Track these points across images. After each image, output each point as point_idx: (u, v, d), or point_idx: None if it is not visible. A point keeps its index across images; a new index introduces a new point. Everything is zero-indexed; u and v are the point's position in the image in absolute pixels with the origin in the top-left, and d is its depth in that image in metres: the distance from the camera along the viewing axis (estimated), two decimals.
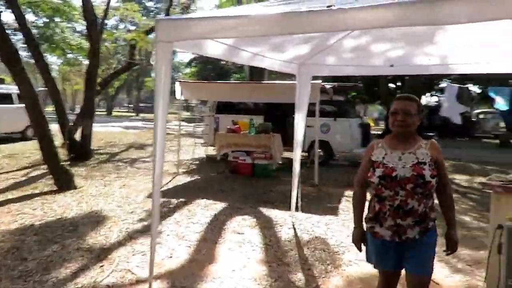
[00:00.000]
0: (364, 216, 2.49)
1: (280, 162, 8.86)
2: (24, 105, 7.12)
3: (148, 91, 64.01)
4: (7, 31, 7.10)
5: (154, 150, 2.84)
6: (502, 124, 25.91)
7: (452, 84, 9.27)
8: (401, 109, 2.24)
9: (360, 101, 28.50)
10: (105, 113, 43.95)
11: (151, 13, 42.16)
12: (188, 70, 46.58)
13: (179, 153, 9.44)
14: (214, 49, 3.37)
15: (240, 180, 8.30)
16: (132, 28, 36.01)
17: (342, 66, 5.27)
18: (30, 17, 20.70)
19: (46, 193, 6.75)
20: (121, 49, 39.08)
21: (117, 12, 20.47)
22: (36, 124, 7.15)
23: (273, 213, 5.89)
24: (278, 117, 11.14)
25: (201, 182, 8.08)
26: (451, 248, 2.38)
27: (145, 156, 12.05)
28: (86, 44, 18.74)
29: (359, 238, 2.50)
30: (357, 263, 4.17)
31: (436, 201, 2.38)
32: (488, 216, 5.75)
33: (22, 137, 14.59)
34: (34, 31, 16.97)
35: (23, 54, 19.30)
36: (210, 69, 40.81)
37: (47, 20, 21.88)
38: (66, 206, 6.04)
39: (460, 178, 9.49)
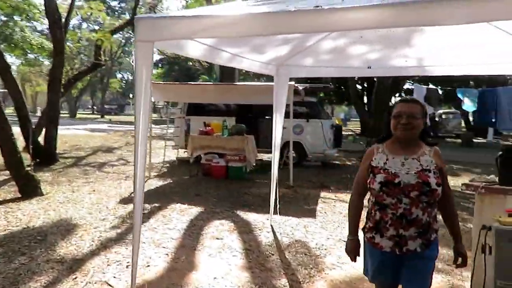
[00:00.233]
0: (360, 225, 2.37)
1: (254, 164, 8.77)
2: None
3: (113, 92, 62.62)
4: None
5: (135, 155, 2.68)
6: (463, 124, 27.05)
7: (421, 85, 9.47)
8: (406, 112, 2.09)
9: (327, 102, 28.97)
10: (67, 115, 42.51)
11: (115, 13, 41.24)
12: (154, 72, 45.81)
13: (150, 156, 9.17)
14: (195, 49, 3.24)
15: (214, 183, 8.16)
16: (96, 28, 35.15)
17: (320, 68, 5.26)
18: None
19: (9, 201, 6.37)
20: (84, 50, 38.00)
21: (80, 11, 19.83)
22: None
23: (251, 217, 5.80)
24: (250, 118, 11.08)
25: (175, 186, 7.88)
26: (462, 262, 2.23)
27: (114, 159, 11.69)
28: (47, 44, 18.06)
29: (354, 249, 2.36)
30: (340, 266, 4.14)
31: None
32: (464, 216, 5.95)
33: None
34: None
35: None
36: (177, 70, 40.30)
37: (6, 19, 20.88)
38: (32, 214, 5.71)
39: None
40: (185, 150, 11.13)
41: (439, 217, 2.26)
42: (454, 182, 8.98)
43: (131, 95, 68.26)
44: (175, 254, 4.37)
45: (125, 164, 10.90)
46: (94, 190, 7.33)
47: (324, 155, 10.65)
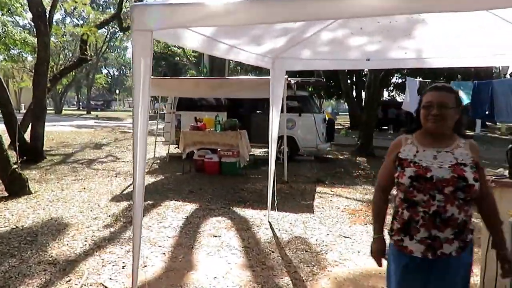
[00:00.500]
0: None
1: (248, 160, 8.64)
2: None
3: (99, 88, 61.73)
4: None
5: (135, 154, 2.53)
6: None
7: (413, 78, 9.43)
8: (437, 101, 1.87)
9: (315, 97, 28.93)
10: (53, 112, 41.76)
11: (100, 8, 40.56)
12: None
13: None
14: (192, 40, 3.09)
15: (207, 179, 8.02)
16: (80, 23, 34.51)
17: (317, 60, 5.13)
18: None
19: None
20: (69, 45, 37.32)
21: (65, 4, 19.36)
22: None
23: (248, 213, 5.69)
24: (241, 113, 10.95)
25: (167, 183, 7.71)
26: (509, 271, 1.95)
27: (103, 156, 11.46)
28: (31, 39, 17.59)
29: (380, 250, 2.08)
30: (342, 262, 4.05)
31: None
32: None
33: None
34: None
35: None
36: (164, 66, 39.82)
37: None
38: (21, 213, 5.51)
39: None
40: (176, 146, 10.97)
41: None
42: None
43: (117, 91, 67.59)
44: (172, 253, 4.24)
45: (115, 160, 10.68)
46: (84, 188, 7.13)
47: (317, 150, 10.60)
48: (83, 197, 6.48)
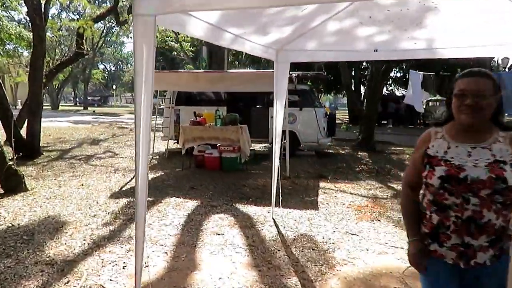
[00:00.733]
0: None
1: (249, 155, 8.48)
2: None
3: (95, 83, 61.34)
4: None
5: (136, 149, 2.36)
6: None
7: (416, 72, 9.26)
8: (472, 90, 1.62)
9: (315, 91, 28.74)
10: (50, 107, 41.46)
11: (96, 2, 40.12)
12: None
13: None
14: (197, 28, 2.91)
15: (208, 175, 7.85)
16: (76, 18, 34.10)
17: (322, 52, 4.95)
18: None
19: None
20: (65, 40, 36.96)
21: None
22: None
23: (251, 210, 5.53)
24: (241, 107, 10.78)
25: (167, 179, 7.54)
26: None
27: (100, 152, 11.27)
28: (26, 33, 17.32)
29: (421, 255, 1.79)
30: (351, 261, 3.91)
31: None
32: None
33: None
34: None
35: None
36: (161, 61, 39.49)
37: None
38: (17, 211, 5.34)
39: None
40: (175, 141, 10.80)
41: None
42: None
43: (114, 87, 67.18)
44: (175, 252, 4.08)
45: (113, 156, 10.49)
46: (82, 185, 6.95)
47: (318, 144, 10.45)
48: (81, 194, 6.31)
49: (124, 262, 3.78)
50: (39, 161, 9.32)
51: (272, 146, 10.75)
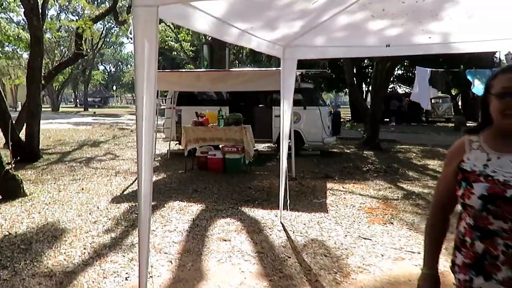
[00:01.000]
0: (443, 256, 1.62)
1: (253, 156, 8.25)
2: None
3: (95, 85, 61.17)
4: None
5: (139, 154, 2.15)
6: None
7: (423, 68, 9.03)
8: None
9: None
10: (50, 109, 41.27)
11: (95, 2, 39.91)
12: None
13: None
14: (201, 22, 2.69)
15: (212, 177, 7.63)
16: (75, 18, 33.89)
17: (330, 48, 4.74)
18: None
19: None
20: (64, 41, 36.78)
21: None
22: None
23: (258, 214, 5.31)
24: (243, 107, 10.56)
25: (170, 182, 7.32)
26: None
27: (101, 154, 11.07)
28: (25, 35, 17.13)
29: None
30: (366, 268, 3.69)
31: None
32: None
33: None
34: None
35: None
36: (161, 61, 39.28)
37: None
38: (15, 218, 5.13)
39: (434, 164, 9.36)
40: (176, 142, 10.58)
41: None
42: None
43: (114, 87, 67.03)
44: (180, 260, 3.87)
45: (114, 158, 10.29)
46: (82, 189, 6.74)
47: (323, 144, 10.25)
48: (81, 198, 6.10)
49: (126, 273, 3.57)
50: (39, 165, 9.11)
51: (276, 146, 10.65)
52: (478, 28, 3.88)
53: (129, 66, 64.66)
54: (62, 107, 48.54)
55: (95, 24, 16.50)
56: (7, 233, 4.59)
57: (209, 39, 16.73)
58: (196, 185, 6.93)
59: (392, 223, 4.97)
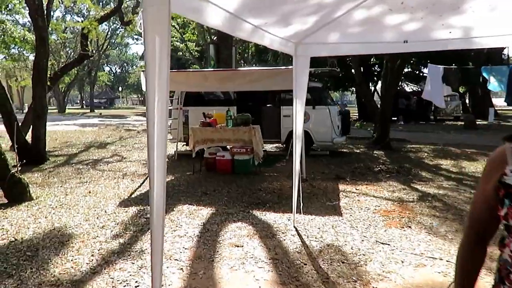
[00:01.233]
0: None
1: (262, 157, 8.08)
2: None
3: (101, 86, 61.28)
4: None
5: (149, 156, 1.99)
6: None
7: (436, 65, 8.82)
8: None
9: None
10: (56, 111, 41.37)
11: (100, 3, 39.95)
12: (142, 63, 44.75)
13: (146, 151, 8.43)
14: (214, 17, 2.53)
15: (221, 179, 7.47)
16: (81, 19, 33.91)
17: (345, 44, 4.56)
18: None
19: None
20: (69, 43, 36.82)
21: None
22: None
23: (270, 217, 5.14)
24: (252, 107, 10.39)
25: (178, 184, 7.17)
26: None
27: (108, 155, 10.95)
28: (30, 36, 17.09)
29: None
30: (387, 275, 3.51)
31: None
32: None
33: None
34: None
35: None
36: None
37: None
38: (21, 223, 5.00)
39: (447, 163, 9.14)
40: (184, 143, 10.44)
41: None
42: (474, 168, 8.43)
43: (120, 88, 67.13)
44: (191, 268, 3.71)
45: (121, 160, 10.16)
46: (89, 192, 6.61)
47: (332, 144, 10.06)
48: (89, 202, 5.97)
49: (136, 281, 3.42)
50: (45, 167, 9.01)
51: (284, 146, 10.47)
52: (501, 22, 3.70)
53: (134, 67, 64.75)
54: (68, 109, 48.68)
55: (100, 25, 16.45)
56: (13, 239, 4.46)
57: (214, 39, 16.58)
58: (205, 187, 6.77)
59: (410, 226, 4.78)
